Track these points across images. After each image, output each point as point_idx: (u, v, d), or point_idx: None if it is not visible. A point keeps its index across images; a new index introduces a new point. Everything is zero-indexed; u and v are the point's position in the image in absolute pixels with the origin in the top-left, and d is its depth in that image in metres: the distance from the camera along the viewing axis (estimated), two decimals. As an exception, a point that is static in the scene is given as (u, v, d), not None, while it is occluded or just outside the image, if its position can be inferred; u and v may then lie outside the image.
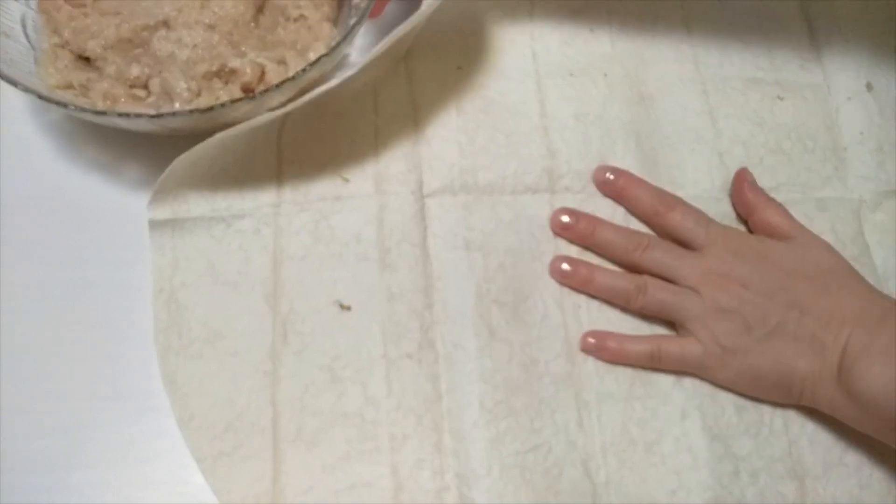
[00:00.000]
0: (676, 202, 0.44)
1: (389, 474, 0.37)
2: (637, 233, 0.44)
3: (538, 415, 0.39)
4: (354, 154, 0.44)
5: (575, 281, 0.42)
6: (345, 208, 0.43)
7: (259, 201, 0.43)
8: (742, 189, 0.45)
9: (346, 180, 0.44)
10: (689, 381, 0.41)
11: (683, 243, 0.43)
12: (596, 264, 0.43)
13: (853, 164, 0.47)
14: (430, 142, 0.45)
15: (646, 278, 0.42)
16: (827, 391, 0.38)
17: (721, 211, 0.45)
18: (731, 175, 0.46)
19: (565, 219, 0.43)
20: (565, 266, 0.42)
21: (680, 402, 0.40)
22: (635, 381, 0.41)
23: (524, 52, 0.49)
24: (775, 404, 0.40)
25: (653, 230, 0.44)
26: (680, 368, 0.41)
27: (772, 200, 0.44)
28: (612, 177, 0.45)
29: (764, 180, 0.45)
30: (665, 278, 0.42)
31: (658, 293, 0.41)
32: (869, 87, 0.49)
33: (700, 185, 0.46)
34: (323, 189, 0.43)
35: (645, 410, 0.40)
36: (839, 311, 0.39)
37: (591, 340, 0.41)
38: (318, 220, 0.43)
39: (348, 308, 0.41)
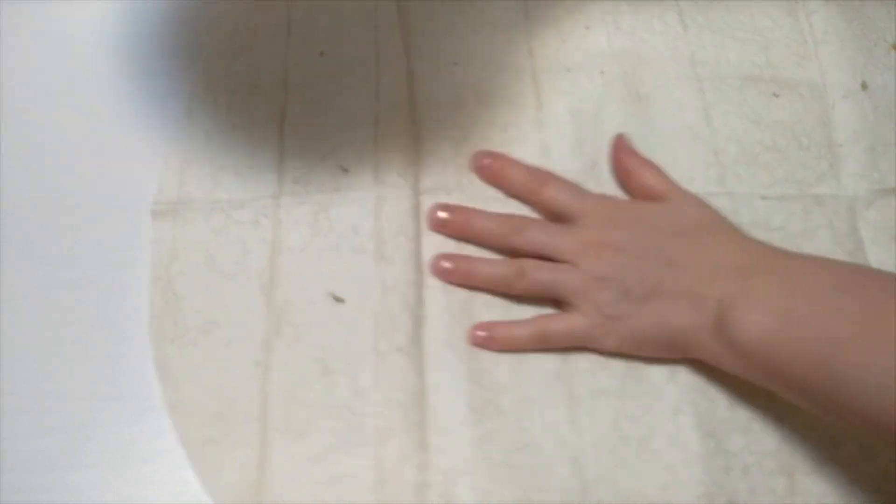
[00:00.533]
0: (549, 178, 0.43)
1: (373, 467, 0.38)
2: (511, 216, 0.43)
3: (527, 413, 0.39)
4: (354, 142, 0.45)
5: (457, 277, 0.42)
6: (344, 200, 0.43)
7: (259, 192, 0.43)
8: (619, 155, 0.45)
9: (346, 170, 0.44)
10: (682, 377, 0.41)
11: (562, 219, 0.42)
12: (476, 256, 0.42)
13: (847, 162, 0.47)
14: (425, 138, 0.45)
15: (524, 261, 0.41)
16: (708, 343, 0.38)
17: (718, 206, 0.45)
18: (727, 173, 0.46)
19: (442, 215, 0.43)
20: (446, 264, 0.42)
21: (673, 398, 0.40)
22: (628, 377, 0.41)
23: (520, 48, 0.49)
24: (768, 399, 0.40)
25: (535, 212, 0.44)
26: (569, 344, 0.40)
27: (647, 162, 0.44)
28: (488, 161, 0.44)
29: (760, 177, 0.46)
30: (545, 258, 0.41)
31: (536, 273, 0.40)
32: (864, 85, 0.49)
33: (695, 183, 0.45)
34: (322, 180, 0.44)
35: (637, 407, 0.40)
36: (713, 263, 0.39)
37: (481, 333, 0.41)
38: (317, 213, 0.43)
39: (342, 300, 0.41)
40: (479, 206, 0.44)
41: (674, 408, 0.40)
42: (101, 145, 0.45)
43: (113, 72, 0.47)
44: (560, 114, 0.47)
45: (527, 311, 0.42)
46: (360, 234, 0.43)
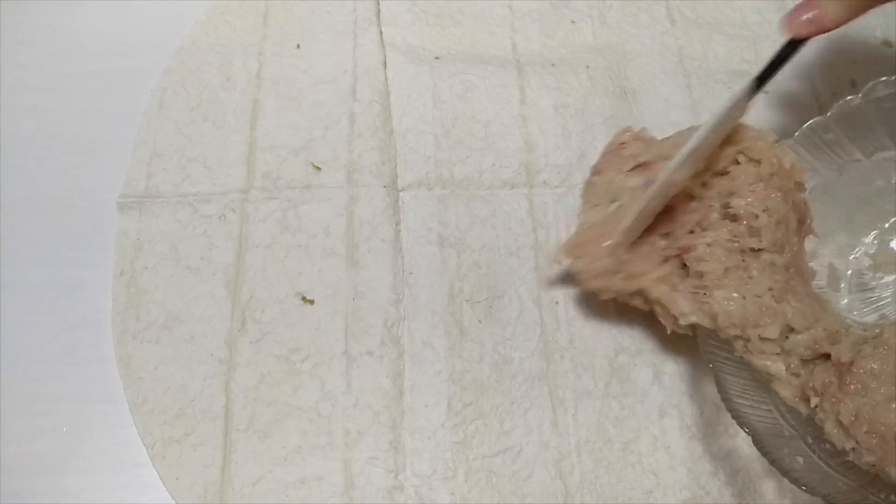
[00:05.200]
0: None
1: (341, 470, 0.37)
2: None
3: (509, 416, 0.38)
4: (328, 141, 0.44)
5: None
6: (314, 198, 0.43)
7: (227, 187, 0.43)
8: None
9: (318, 169, 0.43)
10: (668, 380, 0.40)
11: None
12: None
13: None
14: (405, 134, 0.45)
15: None
16: None
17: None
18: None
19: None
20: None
21: (658, 400, 0.39)
22: (612, 379, 0.40)
23: (504, 43, 0.48)
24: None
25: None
26: None
27: None
28: None
29: (748, 175, 0.45)
30: None
31: None
32: (853, 83, 0.48)
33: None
34: (293, 176, 0.43)
35: (622, 409, 0.39)
36: None
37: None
38: (286, 209, 0.42)
39: (311, 302, 0.40)
40: (461, 200, 0.43)
41: (659, 410, 0.39)
42: (71, 137, 0.44)
43: (84, 63, 0.46)
44: (545, 108, 0.46)
45: (511, 309, 0.41)
46: (330, 236, 0.42)
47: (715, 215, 0.37)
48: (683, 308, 0.36)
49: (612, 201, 0.40)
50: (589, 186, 0.42)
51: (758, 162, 0.36)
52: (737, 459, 0.38)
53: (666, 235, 0.38)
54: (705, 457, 0.38)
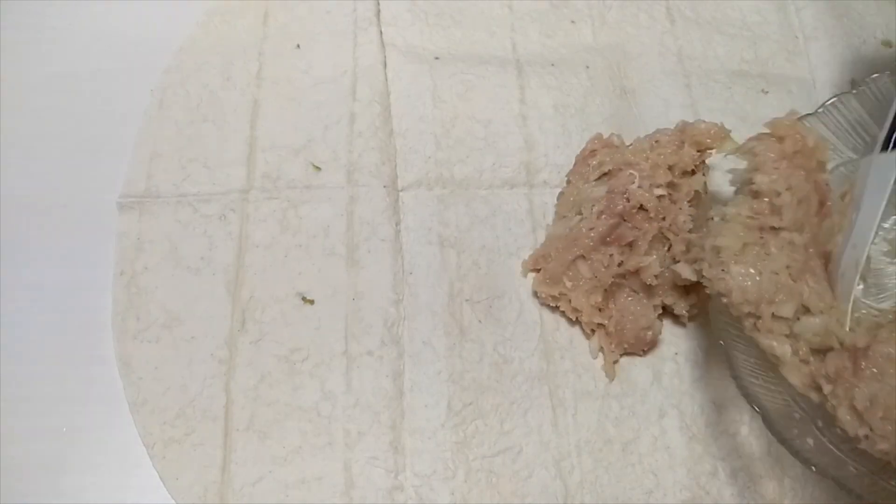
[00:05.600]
0: None
1: (341, 470, 0.37)
2: None
3: (509, 416, 0.38)
4: (328, 141, 0.44)
5: None
6: (314, 198, 0.43)
7: (227, 186, 0.43)
8: None
9: (318, 169, 0.43)
10: (667, 380, 0.40)
11: None
12: None
13: (837, 159, 0.46)
14: (405, 134, 0.45)
15: None
16: None
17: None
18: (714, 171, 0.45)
19: None
20: None
21: (658, 400, 0.39)
22: (613, 379, 0.40)
23: (504, 43, 0.48)
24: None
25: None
26: None
27: None
28: None
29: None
30: None
31: None
32: (853, 83, 0.48)
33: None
34: (293, 176, 0.43)
35: (622, 409, 0.39)
36: None
37: None
38: (286, 209, 0.42)
39: (311, 302, 0.40)
40: (461, 200, 0.43)
41: (659, 410, 0.39)
42: (71, 137, 0.44)
43: (84, 63, 0.46)
44: (545, 108, 0.46)
45: (511, 309, 0.41)
46: (330, 235, 0.42)
47: (683, 218, 0.38)
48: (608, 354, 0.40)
49: (578, 213, 0.40)
50: (560, 197, 0.43)
51: (781, 138, 0.36)
52: (737, 459, 0.38)
53: (629, 245, 0.39)
54: (705, 457, 0.38)
